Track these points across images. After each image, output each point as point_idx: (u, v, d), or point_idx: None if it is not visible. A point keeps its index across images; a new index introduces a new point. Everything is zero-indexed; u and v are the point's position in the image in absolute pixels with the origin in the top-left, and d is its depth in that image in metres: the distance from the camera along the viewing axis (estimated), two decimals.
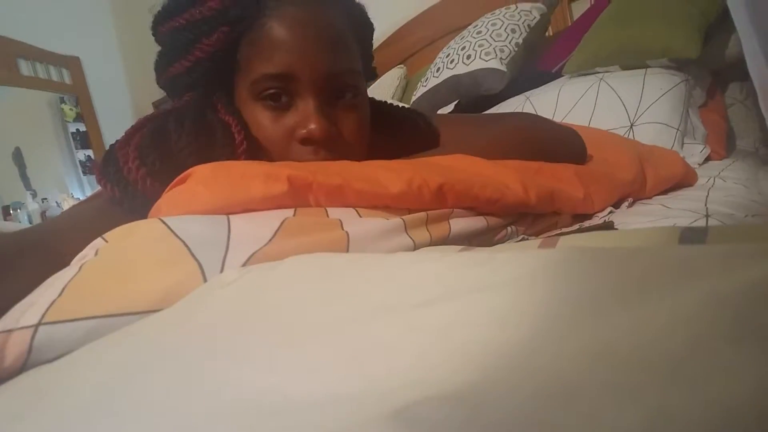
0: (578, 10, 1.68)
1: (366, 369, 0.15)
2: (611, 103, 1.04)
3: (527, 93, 1.26)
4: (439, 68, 1.56)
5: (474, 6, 1.81)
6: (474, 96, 1.48)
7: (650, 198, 0.62)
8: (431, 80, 1.57)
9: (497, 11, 1.57)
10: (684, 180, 0.69)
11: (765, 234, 0.21)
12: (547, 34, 1.64)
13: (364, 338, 0.17)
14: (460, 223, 0.46)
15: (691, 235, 0.25)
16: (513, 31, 1.47)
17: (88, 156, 3.20)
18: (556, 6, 1.64)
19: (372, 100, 0.61)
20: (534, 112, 1.15)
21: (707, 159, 0.96)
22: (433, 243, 0.42)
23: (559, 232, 0.50)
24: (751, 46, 0.62)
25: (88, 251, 0.35)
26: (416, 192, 0.43)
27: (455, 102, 1.54)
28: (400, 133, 0.63)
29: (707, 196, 0.57)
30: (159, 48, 0.57)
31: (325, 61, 0.52)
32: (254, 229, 0.38)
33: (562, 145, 0.58)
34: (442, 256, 0.27)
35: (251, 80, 0.52)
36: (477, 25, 1.55)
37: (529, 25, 1.50)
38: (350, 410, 0.13)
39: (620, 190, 0.58)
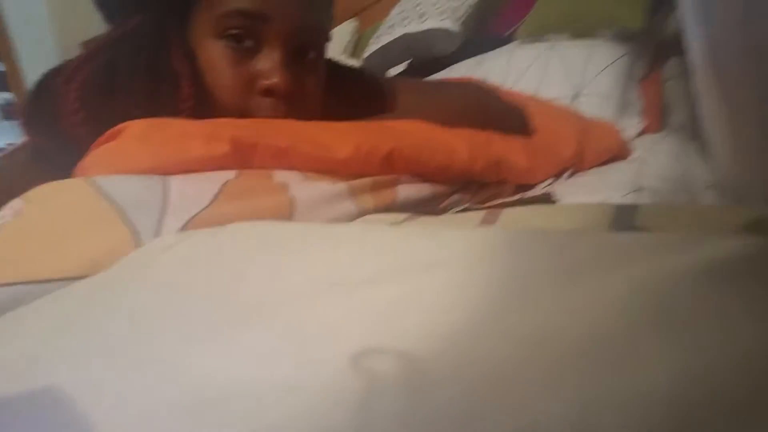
0: None
1: (312, 353, 0.15)
2: (558, 73, 1.05)
3: (479, 57, 1.25)
4: (392, 25, 1.52)
5: None
6: (426, 56, 1.46)
7: (588, 169, 0.65)
8: (384, 37, 1.53)
9: None
10: (619, 153, 0.72)
11: (691, 218, 0.23)
12: None
13: (309, 319, 0.17)
14: (407, 190, 0.46)
15: (622, 214, 0.27)
16: None
17: (8, 100, 2.93)
18: None
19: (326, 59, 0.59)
20: (485, 77, 1.15)
21: (642, 132, 1.00)
22: (378, 210, 0.42)
23: (501, 201, 0.51)
24: (693, 24, 0.64)
25: (4, 212, 0.32)
26: (364, 157, 0.43)
27: (408, 61, 1.52)
28: (352, 95, 0.61)
29: (639, 170, 0.60)
30: None
31: (302, 12, 0.49)
32: (193, 191, 0.36)
33: (507, 118, 0.59)
34: (386, 228, 0.27)
35: (219, 13, 0.48)
36: None
37: None
38: (296, 400, 0.13)
39: (562, 163, 0.60)
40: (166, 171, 0.38)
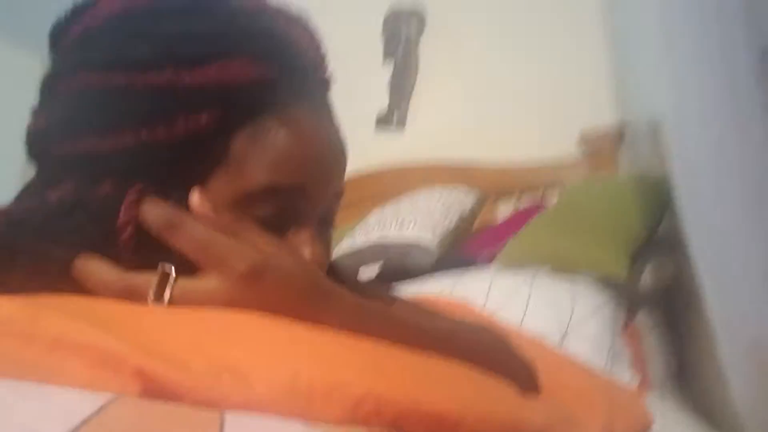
0: (503, 208, 1.76)
1: None
2: (544, 308, 0.99)
3: (455, 277, 1.19)
4: (368, 230, 1.50)
5: (407, 184, 1.82)
6: (399, 267, 1.41)
7: None
8: (359, 239, 1.49)
9: (436, 188, 1.60)
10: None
11: None
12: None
13: None
14: None
15: None
16: (448, 212, 1.48)
17: None
18: (486, 201, 1.69)
19: None
20: (463, 299, 1.07)
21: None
22: None
23: None
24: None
25: None
26: (362, 420, 0.28)
27: (378, 264, 1.46)
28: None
29: None
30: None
31: (335, 179, 0.43)
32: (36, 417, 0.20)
33: (518, 372, 0.46)
34: None
35: (248, 189, 0.38)
36: (415, 197, 1.55)
37: (463, 211, 1.52)
38: None
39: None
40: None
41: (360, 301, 0.39)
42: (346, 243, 1.51)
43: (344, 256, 1.49)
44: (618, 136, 1.64)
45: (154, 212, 0.35)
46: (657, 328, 1.34)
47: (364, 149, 2.00)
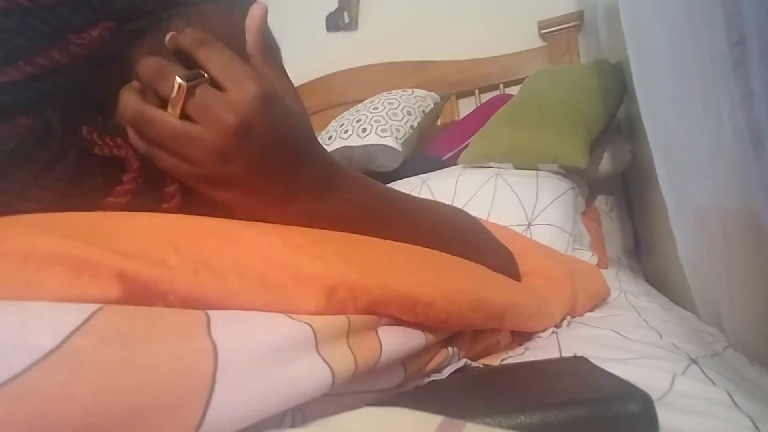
0: (464, 107, 1.75)
1: None
2: (509, 200, 1.02)
3: (423, 176, 1.21)
4: (331, 136, 1.47)
5: (365, 84, 1.79)
6: (366, 170, 1.41)
7: (581, 315, 0.56)
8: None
9: (394, 92, 1.56)
10: (605, 297, 0.64)
11: None
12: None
13: None
14: (392, 337, 0.32)
15: None
16: (409, 113, 1.46)
17: None
18: (447, 99, 1.68)
19: None
20: (432, 197, 1.09)
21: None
22: (359, 370, 0.28)
23: (530, 361, 0.39)
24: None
25: None
26: (338, 308, 0.30)
27: None
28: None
29: (646, 320, 0.51)
30: None
31: None
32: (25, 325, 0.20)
33: (500, 257, 0.48)
34: None
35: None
36: (374, 101, 1.52)
37: (423, 111, 1.50)
38: None
39: (561, 309, 0.50)
40: None
41: (332, 161, 0.39)
42: None
43: None
44: (576, 23, 1.61)
45: (186, 35, 0.35)
46: (614, 209, 1.41)
47: (316, 52, 1.92)
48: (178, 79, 0.32)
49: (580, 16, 1.61)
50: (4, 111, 0.35)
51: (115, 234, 0.27)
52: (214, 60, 0.34)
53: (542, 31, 1.64)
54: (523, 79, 1.62)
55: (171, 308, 0.24)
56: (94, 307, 0.22)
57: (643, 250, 1.32)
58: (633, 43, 0.77)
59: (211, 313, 0.25)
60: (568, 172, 1.12)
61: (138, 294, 0.24)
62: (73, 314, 0.21)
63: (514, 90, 1.62)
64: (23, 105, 0.35)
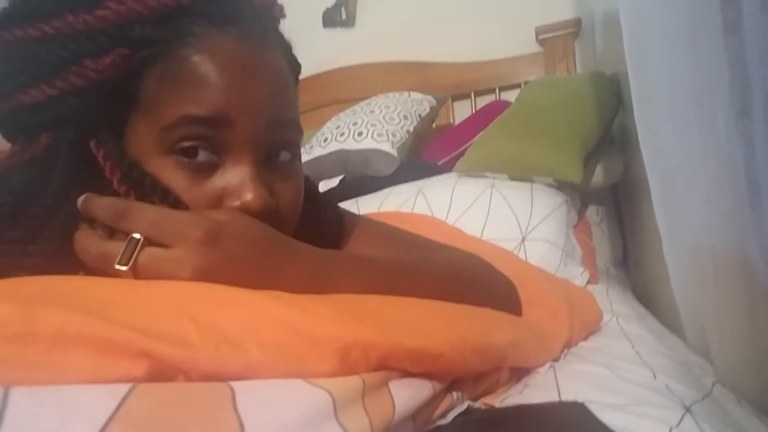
0: (459, 110, 1.76)
1: None
2: (504, 214, 1.03)
3: (419, 183, 1.21)
4: (326, 138, 1.47)
5: (361, 83, 1.79)
6: (360, 174, 1.41)
7: (576, 345, 0.57)
8: (317, 149, 1.47)
9: (390, 94, 1.56)
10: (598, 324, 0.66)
11: None
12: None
13: None
14: (403, 392, 0.33)
15: None
16: (405, 117, 1.46)
17: None
18: (443, 103, 1.68)
19: None
20: (428, 206, 1.10)
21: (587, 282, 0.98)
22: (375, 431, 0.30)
23: (508, 399, 0.41)
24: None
25: None
26: (351, 367, 0.30)
27: (340, 177, 1.45)
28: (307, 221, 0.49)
29: (638, 353, 0.53)
30: None
31: (272, 105, 0.40)
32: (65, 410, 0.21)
33: (498, 297, 0.49)
34: None
35: (163, 125, 0.37)
36: (370, 104, 1.51)
37: (420, 115, 1.50)
38: None
39: (560, 343, 0.52)
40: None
41: (321, 251, 0.40)
42: (303, 151, 1.49)
43: (304, 165, 1.47)
44: (573, 30, 1.62)
45: (101, 205, 0.35)
46: (604, 220, 1.43)
47: (312, 48, 1.91)
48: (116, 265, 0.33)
49: (577, 23, 1.61)
50: (30, 129, 0.38)
51: (133, 308, 0.28)
52: (141, 225, 0.34)
53: (539, 37, 1.64)
54: (519, 84, 1.64)
55: (196, 383, 0.25)
56: (125, 389, 0.22)
57: (631, 261, 1.35)
58: (632, 54, 0.76)
59: (235, 385, 0.25)
60: (562, 187, 1.14)
61: (162, 372, 0.25)
62: (105, 400, 0.21)
63: (509, 94, 1.64)
64: (45, 124, 0.38)
